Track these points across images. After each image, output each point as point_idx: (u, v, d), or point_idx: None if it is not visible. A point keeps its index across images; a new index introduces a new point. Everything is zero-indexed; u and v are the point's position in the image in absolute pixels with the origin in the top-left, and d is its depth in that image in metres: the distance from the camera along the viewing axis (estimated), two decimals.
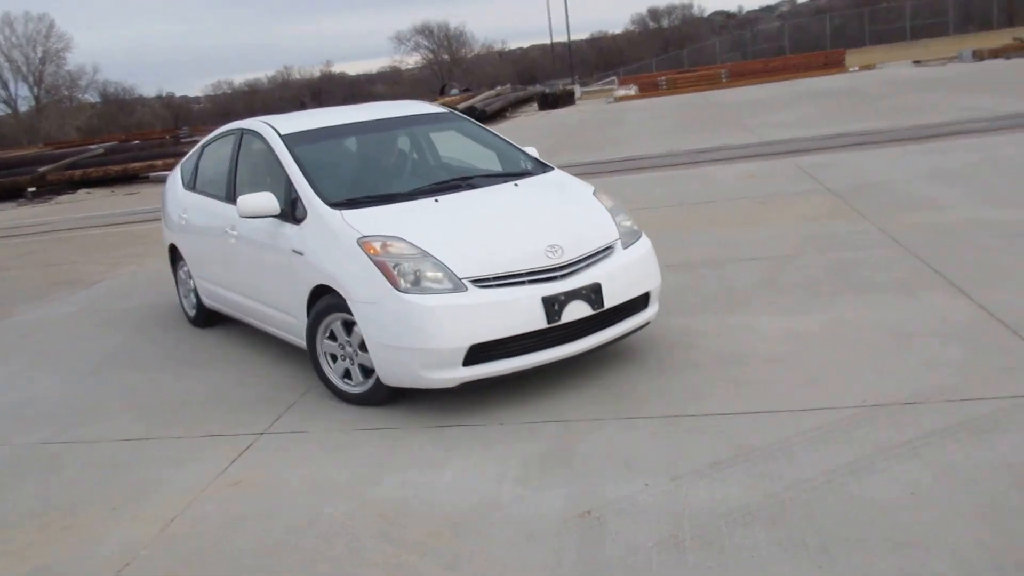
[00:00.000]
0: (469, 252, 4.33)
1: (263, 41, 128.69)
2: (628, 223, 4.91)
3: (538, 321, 4.23)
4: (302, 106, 38.05)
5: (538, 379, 4.62)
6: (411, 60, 77.39)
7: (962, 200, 7.79)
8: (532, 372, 4.41)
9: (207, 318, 6.62)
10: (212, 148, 6.42)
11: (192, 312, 6.77)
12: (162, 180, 9.43)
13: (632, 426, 4.00)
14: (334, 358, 4.76)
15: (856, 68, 33.54)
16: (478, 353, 4.18)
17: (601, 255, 4.57)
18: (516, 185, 5.13)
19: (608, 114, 27.75)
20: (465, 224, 4.61)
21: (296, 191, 4.93)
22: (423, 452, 4.03)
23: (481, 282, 4.23)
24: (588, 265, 4.46)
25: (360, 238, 4.45)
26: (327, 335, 4.72)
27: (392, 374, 4.37)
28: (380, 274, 4.29)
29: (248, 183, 5.61)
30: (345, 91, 70.26)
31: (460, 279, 4.22)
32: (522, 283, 4.26)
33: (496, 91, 40.48)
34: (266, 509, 3.66)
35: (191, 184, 6.59)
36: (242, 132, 5.87)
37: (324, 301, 4.64)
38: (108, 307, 7.89)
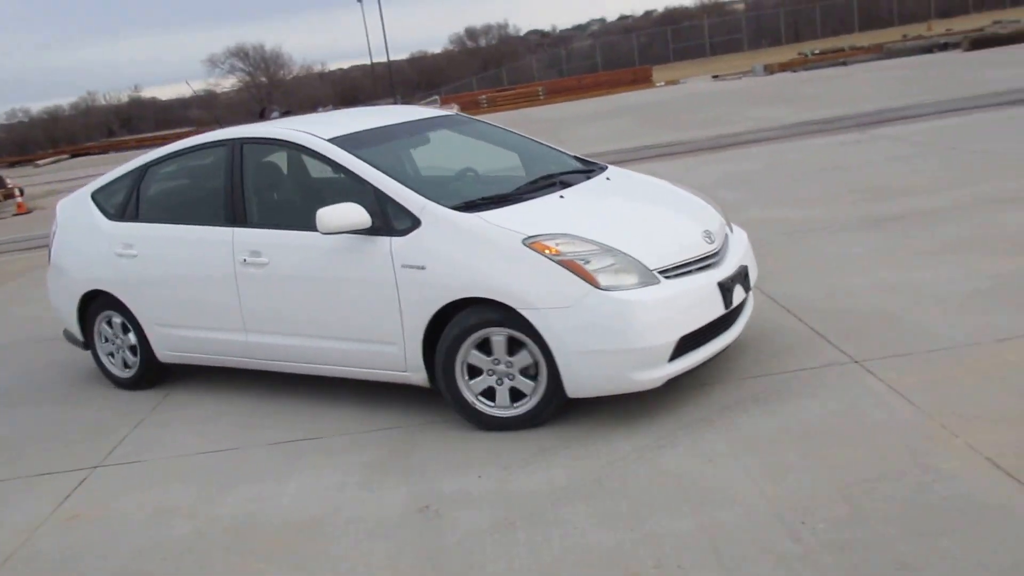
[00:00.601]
0: (641, 243, 4.05)
1: (63, 66, 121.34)
2: None
3: (719, 307, 4.11)
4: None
5: (376, 390, 4.82)
6: (227, 83, 75.22)
7: (747, 202, 8.60)
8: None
9: (157, 376, 5.55)
10: (167, 168, 5.46)
11: (129, 373, 5.56)
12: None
13: (465, 425, 4.27)
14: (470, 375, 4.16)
15: (663, 83, 35.59)
16: (681, 346, 3.97)
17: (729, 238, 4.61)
18: (608, 179, 4.93)
19: None
20: (612, 216, 4.40)
21: (391, 198, 4.29)
22: (266, 468, 4.15)
23: (666, 273, 3.99)
24: (727, 249, 4.45)
25: (526, 239, 3.96)
26: (463, 358, 4.12)
27: (588, 383, 3.92)
28: (571, 274, 3.85)
29: (276, 200, 5.10)
30: (157, 116, 67.43)
31: (651, 271, 3.95)
32: (695, 271, 4.10)
33: (317, 114, 40.01)
34: (108, 539, 3.68)
35: (129, 213, 5.40)
36: (241, 143, 4.97)
37: (467, 318, 4.04)
38: None
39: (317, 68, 78.67)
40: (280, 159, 5.16)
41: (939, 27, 39.17)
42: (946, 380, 3.99)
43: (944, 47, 28.58)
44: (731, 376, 4.41)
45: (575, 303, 3.82)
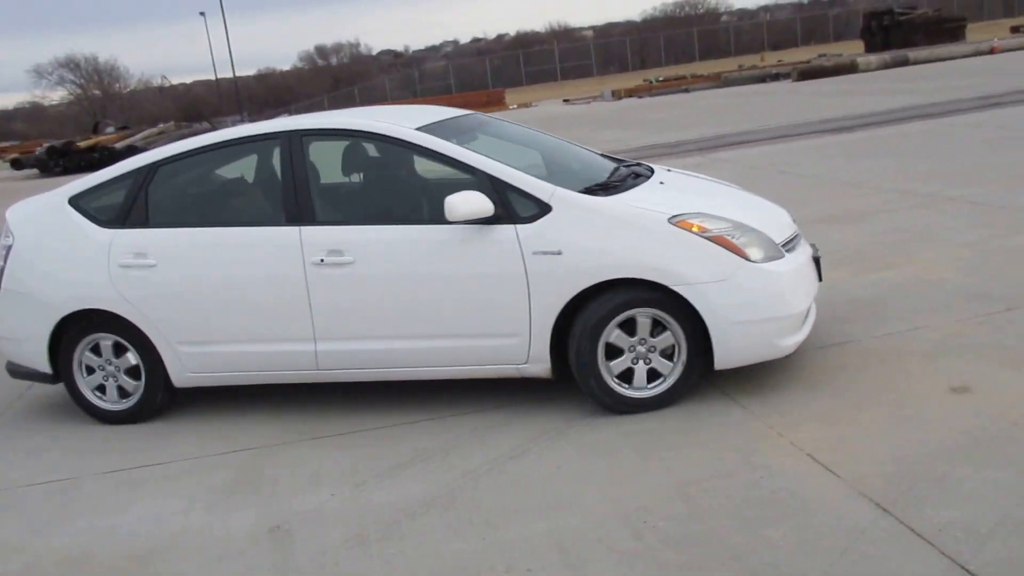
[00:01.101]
0: (758, 221, 4.32)
1: None
2: None
3: (816, 280, 4.51)
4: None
5: (223, 411, 4.71)
6: (55, 95, 71.06)
7: None
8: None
9: (163, 404, 4.81)
10: (185, 167, 4.81)
11: (126, 404, 4.80)
12: None
13: (318, 444, 4.25)
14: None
15: (515, 106, 36.25)
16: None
17: None
18: (669, 171, 5.14)
19: None
20: (719, 199, 4.66)
21: (514, 185, 4.16)
22: (104, 498, 3.98)
23: (784, 247, 4.27)
24: None
25: (671, 218, 4.08)
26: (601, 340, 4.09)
27: (738, 353, 4.08)
28: (723, 249, 4.01)
29: (357, 194, 4.84)
30: None
31: (776, 245, 4.21)
32: (796, 247, 4.41)
33: (159, 129, 38.45)
34: None
35: (134, 219, 4.67)
36: (299, 135, 4.54)
37: (613, 298, 4.03)
38: None
39: (157, 82, 75.52)
40: (352, 151, 4.84)
41: (771, 59, 41.72)
42: (773, 386, 4.29)
43: (776, 77, 30.45)
44: (579, 389, 4.57)
45: (730, 276, 3.99)
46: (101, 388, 4.82)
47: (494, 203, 4.11)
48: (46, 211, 4.93)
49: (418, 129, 4.44)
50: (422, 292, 4.24)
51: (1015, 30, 35.89)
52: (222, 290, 4.47)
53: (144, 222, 4.66)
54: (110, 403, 4.82)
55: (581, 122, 23.40)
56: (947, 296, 5.18)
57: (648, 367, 4.18)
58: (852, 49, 36.49)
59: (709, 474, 3.49)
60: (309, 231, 4.36)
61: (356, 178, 4.90)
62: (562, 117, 26.49)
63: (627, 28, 67.39)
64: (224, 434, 4.50)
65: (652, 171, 4.95)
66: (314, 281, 4.32)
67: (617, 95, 32.65)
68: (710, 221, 4.13)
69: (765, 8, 72.46)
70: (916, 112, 14.70)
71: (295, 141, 4.53)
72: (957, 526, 2.93)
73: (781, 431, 3.79)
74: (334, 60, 76.88)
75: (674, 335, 4.13)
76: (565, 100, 36.03)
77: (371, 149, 4.79)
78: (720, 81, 31.81)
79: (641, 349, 4.15)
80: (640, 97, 31.49)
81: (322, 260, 4.30)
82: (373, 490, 3.71)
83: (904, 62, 27.65)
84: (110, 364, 4.77)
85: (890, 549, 2.87)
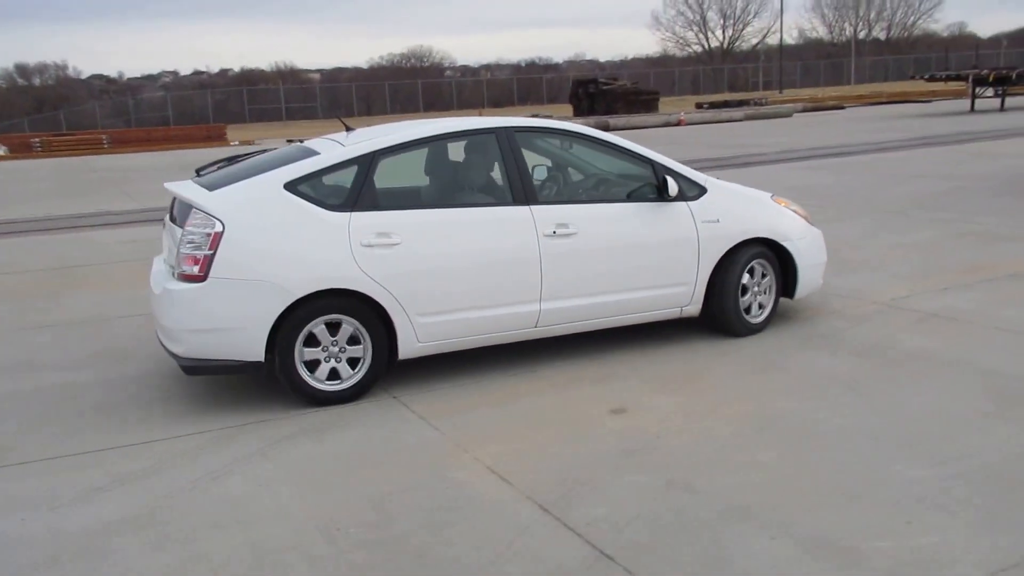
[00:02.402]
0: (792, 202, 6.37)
1: None
2: None
3: None
4: None
5: None
6: None
7: None
8: None
9: (380, 378, 5.03)
10: (405, 156, 5.27)
11: (350, 382, 4.92)
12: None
13: (21, 470, 4.12)
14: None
15: (237, 142, 35.39)
16: None
17: None
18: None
19: None
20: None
21: (680, 173, 5.69)
22: None
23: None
24: None
25: (771, 196, 6.15)
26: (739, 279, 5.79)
27: (807, 286, 6.12)
28: (800, 218, 6.10)
29: (567, 179, 5.74)
30: None
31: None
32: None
33: None
34: None
35: (364, 202, 4.93)
36: (510, 131, 5.41)
37: (747, 250, 5.77)
38: None
39: None
40: (551, 144, 5.77)
41: (489, 114, 44.20)
42: (465, 409, 4.79)
43: None
44: (286, 411, 4.81)
45: (806, 235, 6.06)
46: (312, 369, 4.86)
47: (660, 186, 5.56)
48: (259, 197, 4.84)
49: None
50: (626, 255, 5.46)
51: (699, 106, 40.83)
52: (463, 263, 5.04)
53: (376, 205, 4.99)
54: (326, 384, 4.89)
55: None
56: (619, 330, 5.99)
57: (761, 300, 5.96)
58: (562, 111, 39.54)
59: (402, 487, 3.88)
60: (537, 209, 5.26)
61: (563, 166, 5.78)
62: None
63: (354, 74, 68.08)
64: None
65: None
66: (545, 250, 5.22)
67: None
68: (780, 199, 6.16)
69: (487, 67, 76.48)
70: None
71: (509, 135, 5.39)
72: (602, 520, 3.53)
73: (467, 448, 4.27)
74: (37, 81, 70.36)
75: (774, 277, 5.97)
76: (288, 140, 35.71)
77: (557, 142, 5.80)
78: None
79: (756, 289, 5.92)
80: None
81: (554, 232, 5.23)
82: (67, 514, 3.71)
83: (605, 127, 30.45)
84: (334, 345, 4.87)
85: (547, 541, 3.40)
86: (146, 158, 28.46)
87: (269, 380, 5.00)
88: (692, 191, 5.68)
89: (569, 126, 5.79)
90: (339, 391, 4.91)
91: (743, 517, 3.48)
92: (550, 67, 75.76)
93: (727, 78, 71.23)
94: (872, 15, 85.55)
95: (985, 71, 30.95)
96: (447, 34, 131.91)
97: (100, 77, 71.54)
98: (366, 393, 5.00)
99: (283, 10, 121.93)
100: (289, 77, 64.57)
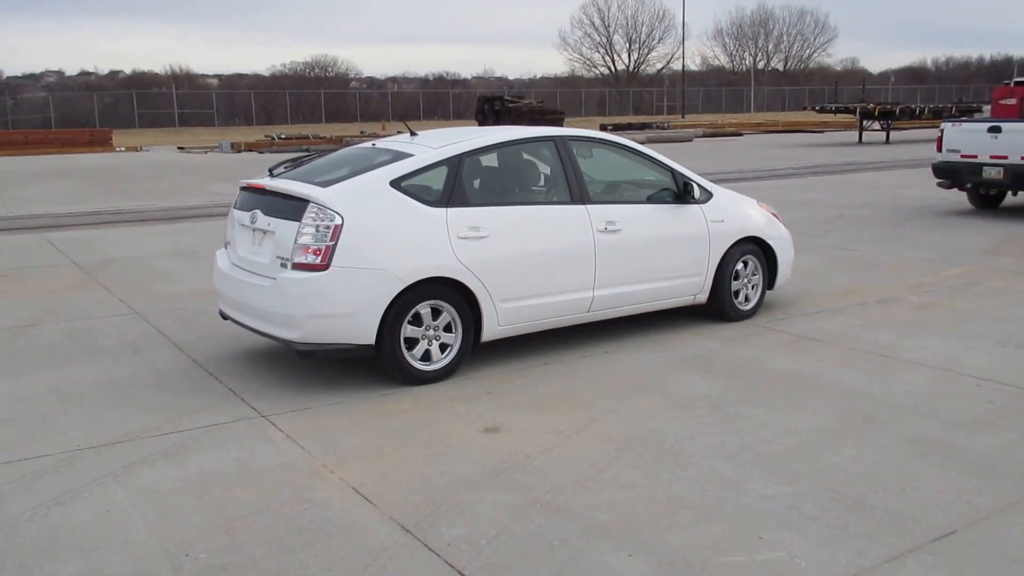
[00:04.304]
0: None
1: None
2: None
3: None
4: None
5: None
6: None
7: (191, 274, 8.87)
8: None
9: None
10: (484, 159, 5.94)
11: (443, 362, 5.46)
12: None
13: None
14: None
15: (123, 148, 34.18)
16: None
17: None
18: None
19: None
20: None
21: (693, 179, 6.57)
22: None
23: None
24: None
25: (758, 202, 7.14)
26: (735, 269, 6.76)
27: (783, 276, 7.15)
28: (776, 220, 7.12)
29: (611, 181, 6.48)
30: None
31: None
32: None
33: None
34: None
35: (456, 199, 5.50)
36: (564, 139, 6.16)
37: (741, 247, 6.74)
38: None
39: None
40: (595, 151, 6.45)
41: (392, 127, 43.87)
42: (333, 428, 4.69)
43: None
44: (143, 434, 4.61)
45: (783, 235, 7.10)
46: (410, 348, 5.34)
47: (679, 190, 6.48)
48: (370, 192, 5.32)
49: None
50: (658, 249, 6.29)
51: (603, 127, 41.49)
52: (537, 254, 5.72)
53: (466, 202, 5.54)
54: (422, 363, 5.38)
55: (190, 171, 22.77)
56: (499, 349, 5.99)
57: (750, 287, 6.91)
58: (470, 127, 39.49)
59: (257, 509, 3.75)
60: (591, 208, 6.00)
61: (606, 170, 6.48)
62: (169, 164, 25.55)
63: (254, 81, 66.66)
64: None
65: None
66: (599, 244, 5.97)
67: (236, 148, 32.21)
68: (765, 205, 7.18)
69: (393, 79, 76.03)
70: None
71: (565, 142, 6.13)
72: (463, 540, 3.49)
73: (333, 468, 4.18)
74: None
75: (760, 269, 6.91)
76: (180, 148, 34.75)
77: (592, 149, 6.45)
78: (342, 144, 32.78)
79: (746, 280, 6.84)
80: (260, 152, 31.38)
81: (606, 228, 6.00)
82: None
83: None
84: (431, 328, 5.39)
85: (405, 562, 3.34)
86: (22, 162, 27.13)
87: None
88: (703, 196, 6.61)
89: (609, 137, 6.62)
90: (433, 371, 5.42)
91: (602, 535, 3.50)
92: (458, 82, 75.80)
93: (632, 101, 72.85)
94: (771, 46, 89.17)
95: (871, 105, 32.52)
96: (353, 45, 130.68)
97: None
98: (454, 373, 5.50)
99: (181, 14, 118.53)
100: (184, 81, 62.65)
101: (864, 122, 31.70)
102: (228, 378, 5.52)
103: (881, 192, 15.58)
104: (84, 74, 68.95)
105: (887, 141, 30.98)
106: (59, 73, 70.14)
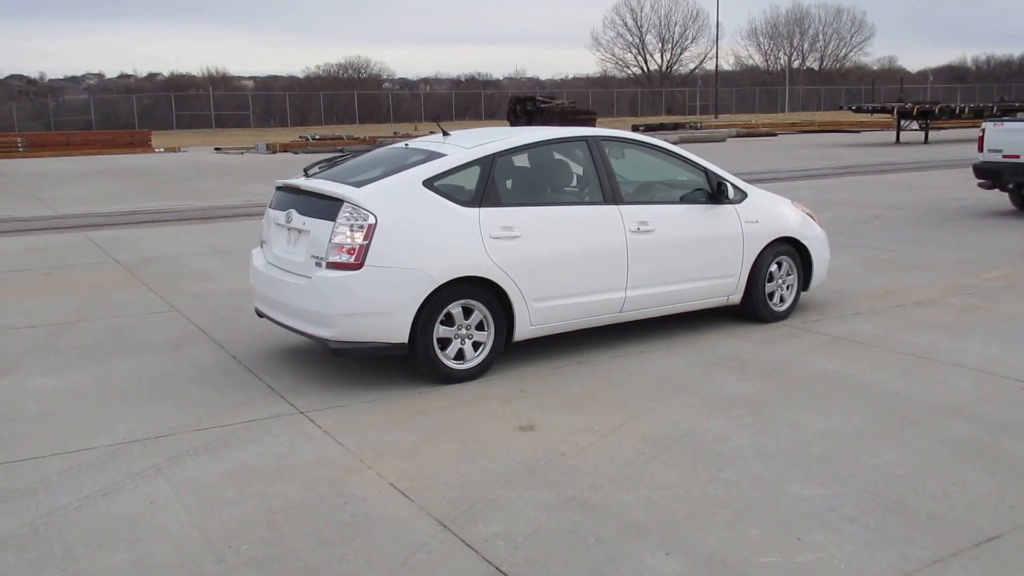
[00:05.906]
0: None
1: None
2: None
3: None
4: None
5: None
6: None
7: (228, 272, 8.98)
8: None
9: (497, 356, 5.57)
10: (515, 159, 5.86)
11: (476, 361, 5.46)
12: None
13: None
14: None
15: (162, 149, 34.65)
16: None
17: None
18: None
19: None
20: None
21: (728, 180, 6.51)
22: None
23: None
24: None
25: (792, 202, 7.05)
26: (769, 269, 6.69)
27: (818, 277, 7.07)
28: (813, 221, 7.06)
29: (642, 182, 6.44)
30: None
31: None
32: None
33: None
34: None
35: (488, 199, 5.50)
36: (596, 140, 6.11)
37: (776, 248, 6.67)
38: None
39: None
40: (627, 152, 6.37)
41: (425, 128, 44.11)
42: (370, 425, 4.74)
43: None
44: (186, 428, 4.69)
45: (819, 235, 7.03)
46: (443, 347, 5.35)
47: (712, 191, 6.42)
48: (403, 192, 5.33)
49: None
50: (690, 249, 6.23)
51: (635, 128, 41.36)
52: (570, 254, 5.69)
53: (498, 201, 5.54)
54: (455, 362, 5.40)
55: (228, 172, 23.03)
56: (532, 349, 6.00)
57: (785, 287, 6.85)
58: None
59: (298, 503, 3.80)
60: (624, 209, 5.96)
61: (638, 171, 6.46)
62: (207, 165, 25.84)
63: (289, 83, 67.23)
64: None
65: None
66: (631, 244, 5.93)
67: (272, 148, 32.52)
68: (799, 205, 7.12)
69: (425, 80, 76.32)
70: None
71: (597, 143, 6.09)
72: (499, 536, 3.51)
73: (371, 464, 4.22)
74: None
75: (795, 270, 6.87)
76: (217, 148, 35.15)
77: (624, 150, 6.38)
78: (375, 144, 32.97)
79: (780, 281, 6.79)
80: (295, 153, 31.66)
81: (638, 228, 5.95)
82: None
83: None
84: (464, 329, 5.40)
85: (443, 557, 3.37)
86: (64, 162, 27.62)
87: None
88: (737, 196, 6.56)
89: (641, 137, 6.61)
90: (465, 369, 5.43)
91: (639, 534, 3.51)
92: (490, 83, 75.85)
93: (665, 101, 72.42)
94: (806, 46, 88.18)
95: (909, 105, 32.05)
96: (386, 46, 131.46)
97: (19, 77, 69.15)
98: (487, 372, 5.50)
99: (218, 16, 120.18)
100: (220, 83, 63.35)
101: (902, 122, 31.26)
102: (266, 375, 5.59)
103: (919, 192, 15.38)
104: (123, 76, 70.07)
105: (926, 141, 30.54)
106: (99, 76, 71.41)
